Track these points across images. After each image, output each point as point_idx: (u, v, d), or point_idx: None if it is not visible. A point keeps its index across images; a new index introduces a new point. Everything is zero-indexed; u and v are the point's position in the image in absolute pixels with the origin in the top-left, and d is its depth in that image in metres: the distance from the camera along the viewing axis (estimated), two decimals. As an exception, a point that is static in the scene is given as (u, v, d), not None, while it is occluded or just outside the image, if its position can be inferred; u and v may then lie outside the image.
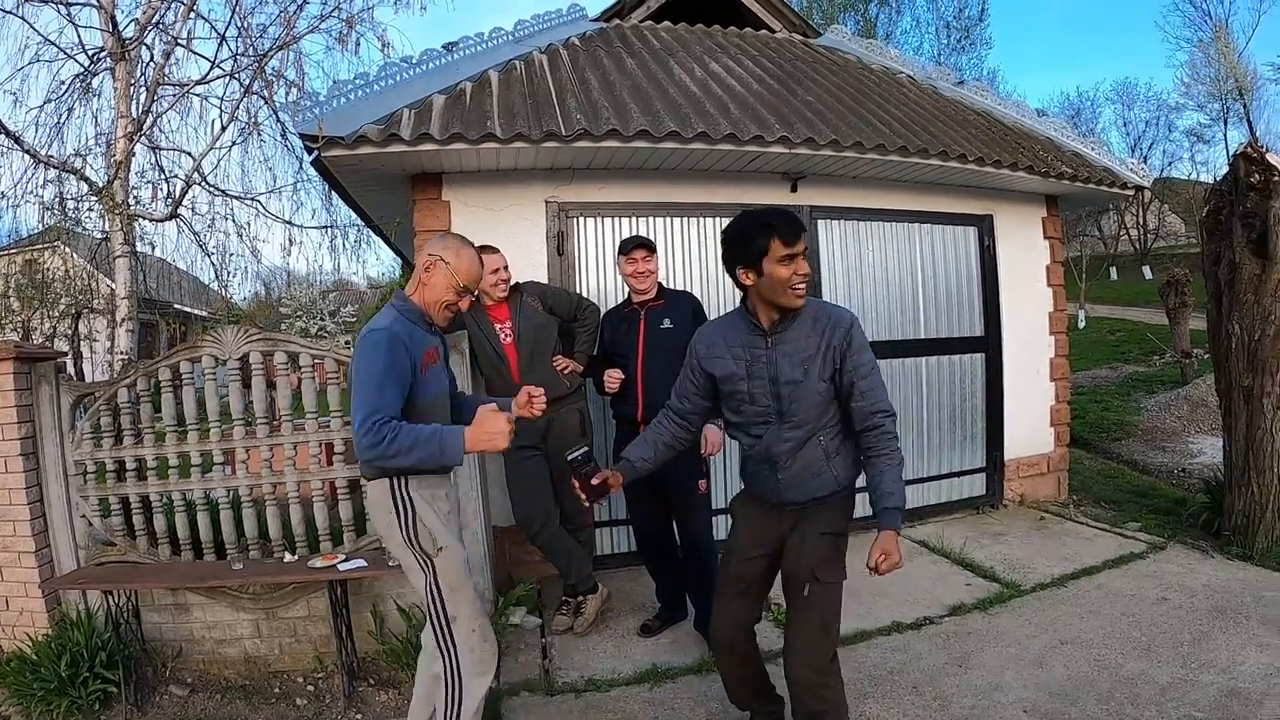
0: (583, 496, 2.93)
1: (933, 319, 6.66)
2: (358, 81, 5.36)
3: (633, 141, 5.09)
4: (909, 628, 4.54)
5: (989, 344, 6.90)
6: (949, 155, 5.94)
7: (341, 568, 3.93)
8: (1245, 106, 38.77)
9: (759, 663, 3.22)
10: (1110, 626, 4.46)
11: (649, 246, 4.36)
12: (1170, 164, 39.25)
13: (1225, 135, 39.59)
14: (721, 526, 5.43)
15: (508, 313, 4.47)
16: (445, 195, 5.48)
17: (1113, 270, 35.21)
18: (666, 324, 4.32)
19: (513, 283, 4.57)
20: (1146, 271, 32.55)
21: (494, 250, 4.40)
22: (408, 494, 2.89)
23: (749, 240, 2.68)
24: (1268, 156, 5.73)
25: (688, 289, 5.27)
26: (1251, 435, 5.68)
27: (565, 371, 4.52)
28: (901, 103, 7.08)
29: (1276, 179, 5.56)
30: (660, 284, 4.45)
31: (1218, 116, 39.81)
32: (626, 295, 4.53)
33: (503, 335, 4.45)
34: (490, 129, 4.92)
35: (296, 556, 4.21)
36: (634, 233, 5.27)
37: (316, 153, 4.80)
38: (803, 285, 2.69)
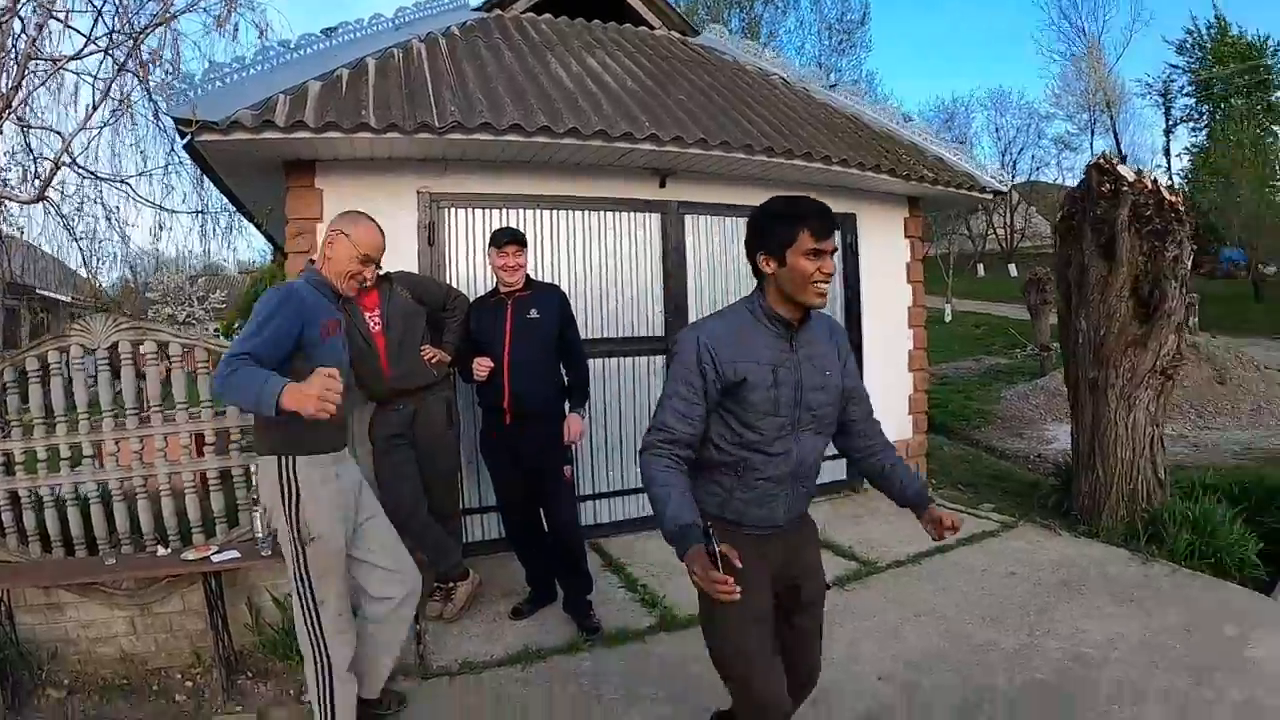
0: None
1: (795, 312, 6.84)
2: (234, 65, 5.25)
3: (505, 135, 5.14)
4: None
5: (850, 336, 7.08)
6: (814, 157, 6.18)
7: (215, 559, 3.91)
8: (1112, 119, 41.24)
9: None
10: (962, 599, 4.77)
11: (520, 241, 4.42)
12: (1038, 169, 41.64)
13: (1091, 144, 42.30)
14: (587, 512, 5.60)
15: (377, 300, 4.44)
16: (318, 183, 5.41)
17: (980, 267, 36.91)
18: (533, 314, 4.39)
19: (383, 271, 4.53)
20: (1012, 269, 34.34)
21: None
22: (294, 475, 2.99)
23: (776, 226, 2.43)
24: (1118, 168, 6.14)
25: (555, 281, 5.36)
26: (1097, 424, 6.11)
27: (433, 361, 4.54)
28: (772, 104, 7.31)
29: (1125, 189, 5.96)
30: (528, 276, 4.51)
31: (1085, 127, 42.43)
32: (494, 285, 4.57)
33: (371, 323, 4.43)
34: (365, 119, 4.90)
35: (170, 550, 4.16)
36: (505, 224, 5.29)
37: (190, 137, 4.70)
38: (826, 285, 2.43)
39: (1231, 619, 4.37)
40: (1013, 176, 41.23)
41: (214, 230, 8.29)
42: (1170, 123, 43.33)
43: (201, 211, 7.16)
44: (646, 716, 3.57)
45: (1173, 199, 6.00)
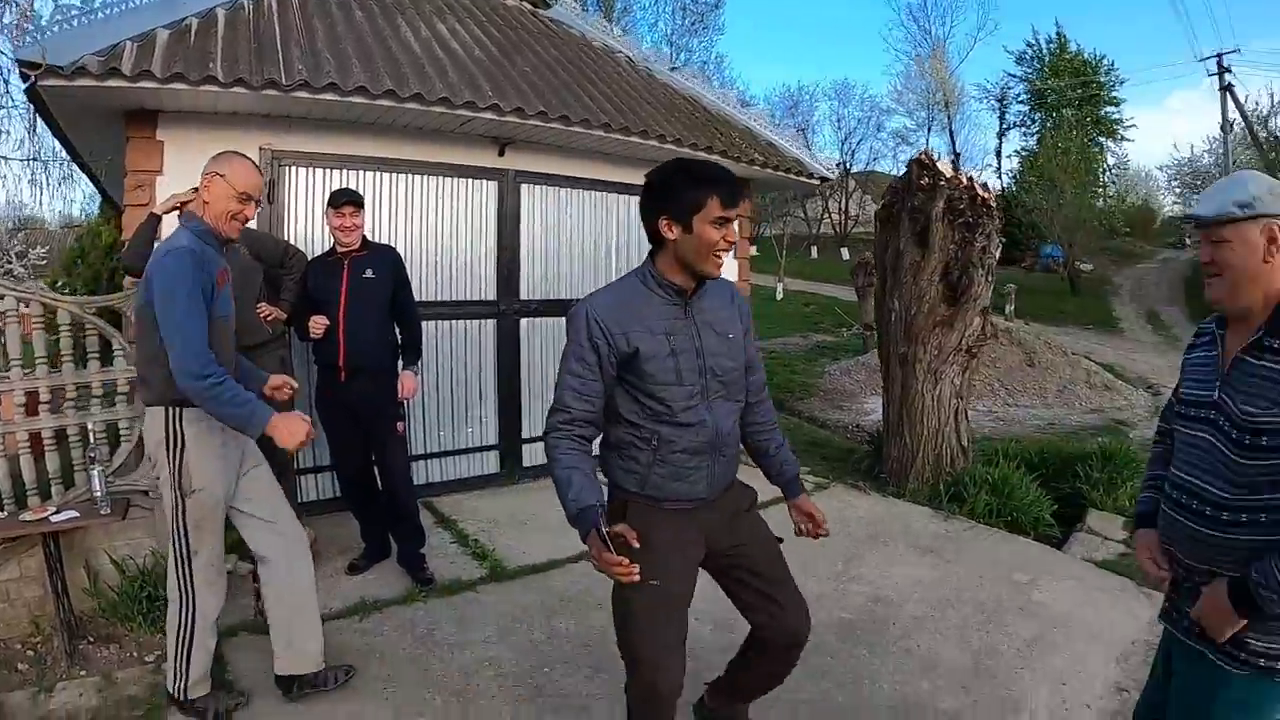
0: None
1: (626, 281, 7.25)
2: (83, 7, 5.08)
3: (350, 96, 5.25)
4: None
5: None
6: (649, 135, 6.59)
7: (54, 519, 3.87)
8: (949, 118, 43.68)
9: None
10: None
11: (357, 202, 4.52)
12: (875, 159, 44.04)
13: (928, 140, 44.96)
14: (419, 472, 5.82)
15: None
16: (160, 135, 5.35)
17: (814, 250, 38.45)
18: (369, 274, 4.53)
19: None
20: (845, 253, 35.97)
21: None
22: (180, 428, 3.01)
23: (685, 191, 2.31)
24: (937, 164, 6.74)
25: (392, 243, 5.48)
26: (906, 395, 6.76)
27: (268, 318, 4.57)
28: (615, 81, 7.64)
29: (942, 184, 6.56)
30: (365, 237, 4.62)
31: (923, 124, 45.00)
32: (332, 244, 4.65)
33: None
34: (212, 71, 4.89)
35: (5, 513, 4.09)
36: (345, 185, 5.37)
37: (33, 80, 4.56)
38: (726, 254, 2.40)
39: (1022, 568, 4.97)
40: (850, 165, 43.09)
41: (45, 180, 7.89)
42: (1004, 126, 46.43)
43: (35, 159, 6.90)
44: (477, 657, 3.84)
45: (985, 195, 6.63)
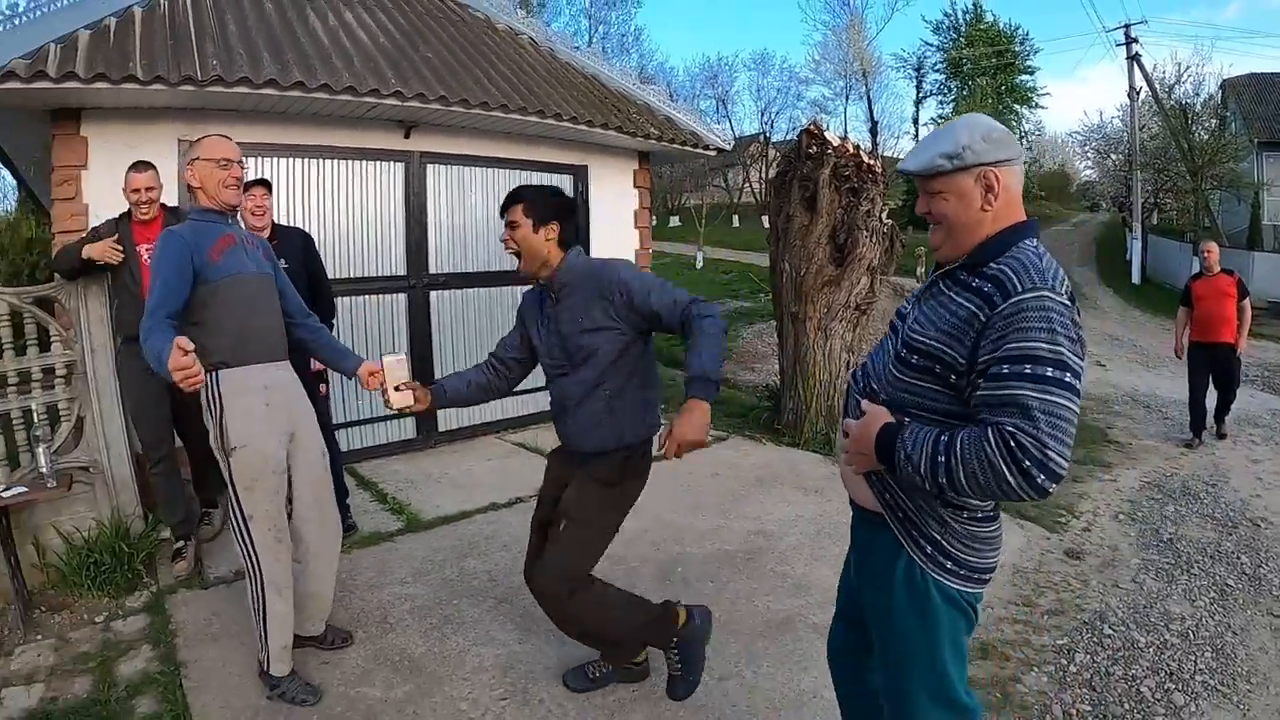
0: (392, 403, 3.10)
1: (528, 254, 7.70)
2: (7, 12, 5.34)
3: (262, 89, 5.58)
4: (503, 506, 5.59)
5: (578, 275, 8.08)
6: (546, 114, 7.04)
7: (5, 496, 4.09)
8: (867, 88, 44.32)
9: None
10: (668, 495, 5.56)
11: (266, 184, 4.80)
12: (794, 129, 43.97)
13: (845, 109, 45.55)
14: (340, 439, 6.06)
15: (157, 234, 4.34)
16: (84, 131, 5.61)
17: (736, 219, 38.94)
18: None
19: (173, 206, 4.70)
20: (765, 221, 36.41)
21: (145, 168, 4.45)
22: (218, 390, 3.10)
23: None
24: (825, 134, 7.21)
25: (304, 225, 5.80)
26: (798, 351, 7.24)
27: None
28: (517, 62, 8.08)
29: (829, 152, 7.03)
30: (274, 221, 4.83)
31: (841, 93, 45.53)
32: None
33: (145, 254, 4.40)
34: (132, 70, 5.19)
35: None
36: (260, 173, 5.64)
37: None
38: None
39: None
40: (771, 135, 43.70)
41: None
42: (921, 95, 47.32)
43: None
44: (395, 595, 4.22)
45: (870, 162, 7.14)
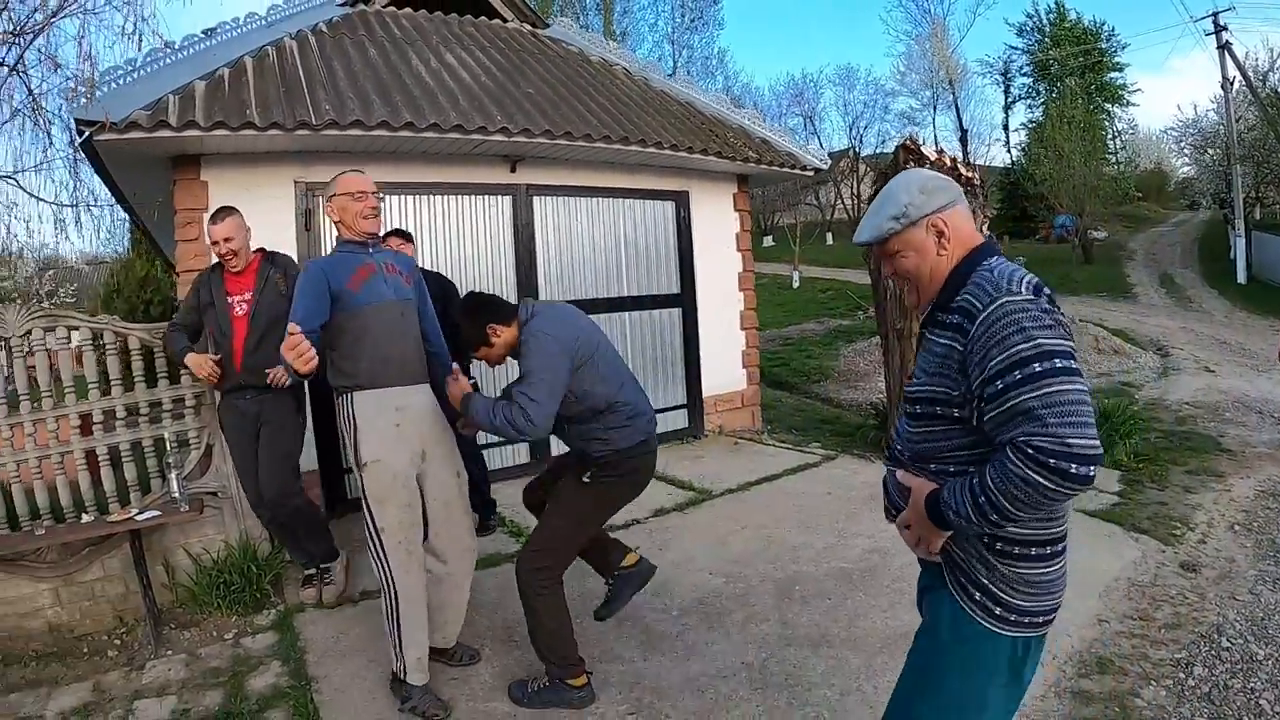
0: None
1: (634, 280, 7.81)
2: (126, 66, 5.64)
3: (374, 130, 5.76)
4: (620, 528, 5.52)
5: (685, 300, 8.17)
6: (648, 143, 7.05)
7: (139, 519, 4.25)
8: (954, 96, 43.43)
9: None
10: (782, 514, 5.65)
11: (403, 234, 4.98)
12: (883, 142, 43.64)
13: (934, 119, 44.67)
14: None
15: (252, 284, 4.41)
16: (204, 175, 5.85)
17: (830, 235, 38.46)
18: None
19: (271, 251, 4.58)
20: (859, 235, 35.84)
21: (223, 216, 4.36)
22: (352, 411, 3.33)
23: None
24: (922, 148, 7.08)
25: (419, 259, 5.74)
26: (904, 367, 7.04)
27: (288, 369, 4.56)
28: (614, 93, 8.13)
29: (926, 166, 6.94)
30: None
31: (928, 103, 44.63)
32: None
33: (238, 307, 4.40)
34: (249, 117, 5.40)
35: (94, 518, 4.42)
36: None
37: (87, 135, 5.04)
38: None
39: None
40: (860, 149, 43.13)
41: (86, 221, 8.23)
42: (1009, 100, 46.07)
43: (76, 204, 7.12)
44: (518, 614, 3.86)
45: (968, 175, 6.95)
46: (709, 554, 5.02)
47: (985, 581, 1.89)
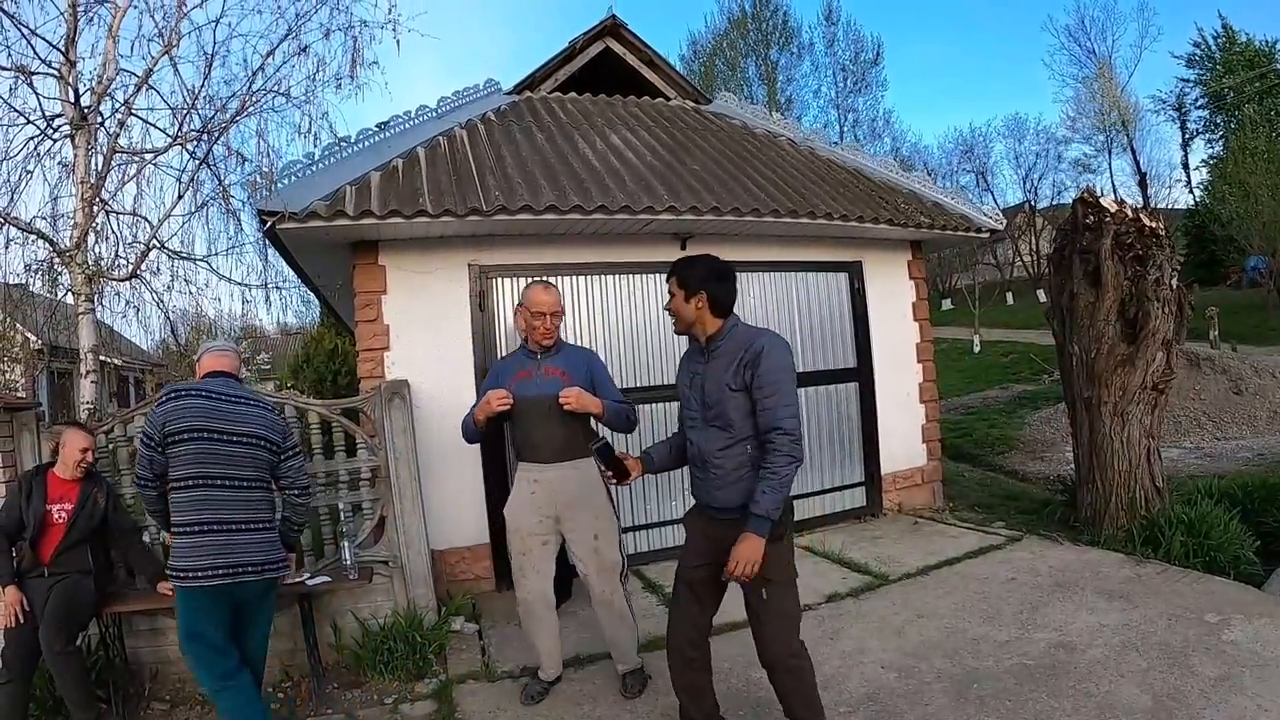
0: (611, 475, 3.60)
1: (809, 355, 7.51)
2: (305, 160, 6.01)
3: (543, 214, 5.84)
4: (818, 605, 5.38)
5: (861, 374, 7.82)
6: (817, 214, 6.85)
7: (309, 583, 4.57)
8: (1129, 137, 41.04)
9: (706, 674, 3.58)
10: (962, 602, 5.30)
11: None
12: (1059, 193, 41.43)
13: (1110, 164, 42.09)
14: (630, 542, 6.11)
15: (75, 495, 4.27)
16: (381, 260, 6.14)
17: (1009, 295, 36.79)
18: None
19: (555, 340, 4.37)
20: (1041, 295, 34.08)
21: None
22: (512, 477, 4.29)
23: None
24: (1101, 201, 6.69)
25: (590, 339, 6.06)
26: (1094, 439, 6.60)
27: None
28: (780, 165, 8.01)
29: (1107, 220, 6.48)
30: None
31: (1102, 148, 42.22)
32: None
33: (57, 513, 4.24)
34: (422, 205, 5.64)
35: None
36: None
37: (271, 224, 5.40)
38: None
39: (1214, 608, 4.79)
40: (1035, 202, 41.44)
41: (276, 299, 8.76)
42: (1186, 136, 42.91)
43: (266, 285, 7.56)
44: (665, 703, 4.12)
45: (1152, 225, 6.50)
46: (882, 645, 4.75)
47: None
